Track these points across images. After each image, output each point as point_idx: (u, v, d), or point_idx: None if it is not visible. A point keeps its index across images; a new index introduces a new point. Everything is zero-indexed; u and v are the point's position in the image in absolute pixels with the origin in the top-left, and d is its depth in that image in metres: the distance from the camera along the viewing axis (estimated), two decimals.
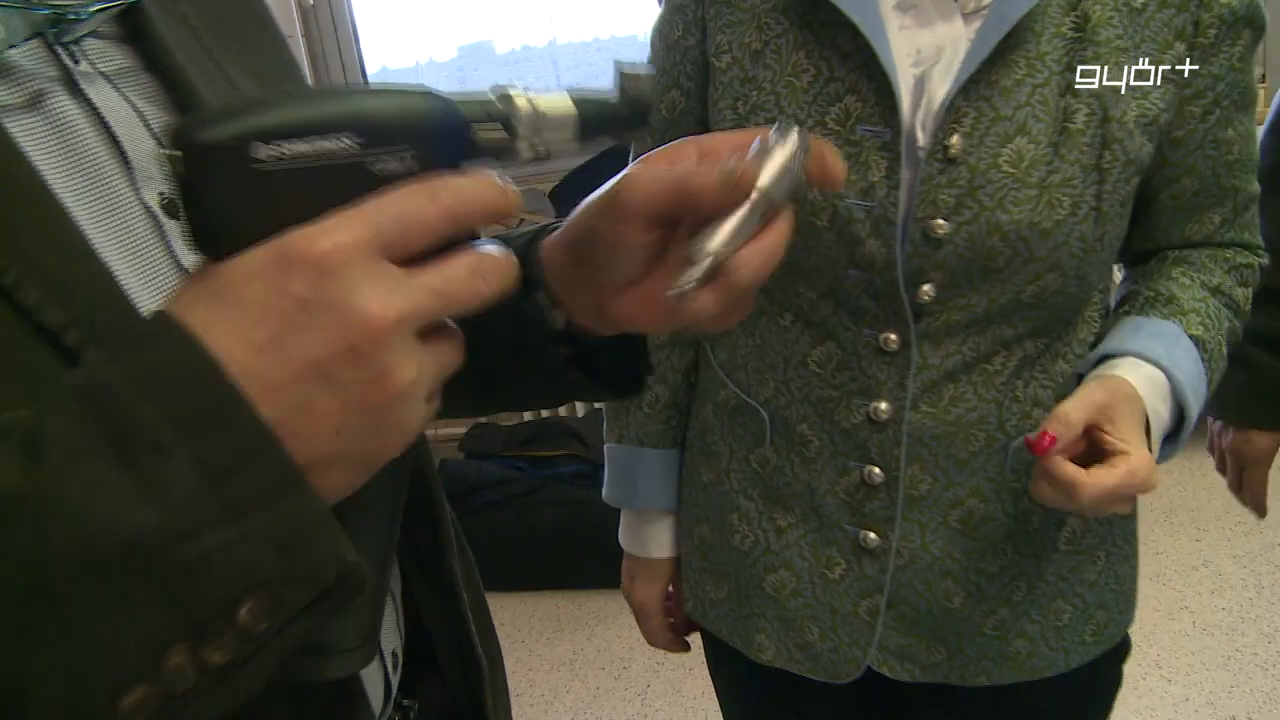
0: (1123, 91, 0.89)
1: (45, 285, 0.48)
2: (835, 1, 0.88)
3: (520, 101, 0.48)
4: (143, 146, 0.58)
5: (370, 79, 3.36)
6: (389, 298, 0.41)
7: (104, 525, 0.38)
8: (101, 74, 0.59)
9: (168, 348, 0.40)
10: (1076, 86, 0.89)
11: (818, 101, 0.92)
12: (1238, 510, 1.55)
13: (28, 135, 0.52)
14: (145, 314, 0.44)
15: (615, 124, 0.52)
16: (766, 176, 0.50)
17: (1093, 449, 0.87)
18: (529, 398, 0.94)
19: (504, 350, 0.63)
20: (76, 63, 0.57)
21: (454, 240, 0.44)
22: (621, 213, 0.53)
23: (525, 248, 0.64)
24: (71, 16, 0.55)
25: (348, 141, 0.43)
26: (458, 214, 0.44)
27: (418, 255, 0.43)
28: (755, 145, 0.51)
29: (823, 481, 1.03)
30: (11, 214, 0.48)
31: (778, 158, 0.51)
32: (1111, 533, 1.07)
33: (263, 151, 0.42)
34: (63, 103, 0.55)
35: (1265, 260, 1.04)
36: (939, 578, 1.02)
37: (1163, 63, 0.90)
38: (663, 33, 1.02)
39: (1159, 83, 0.90)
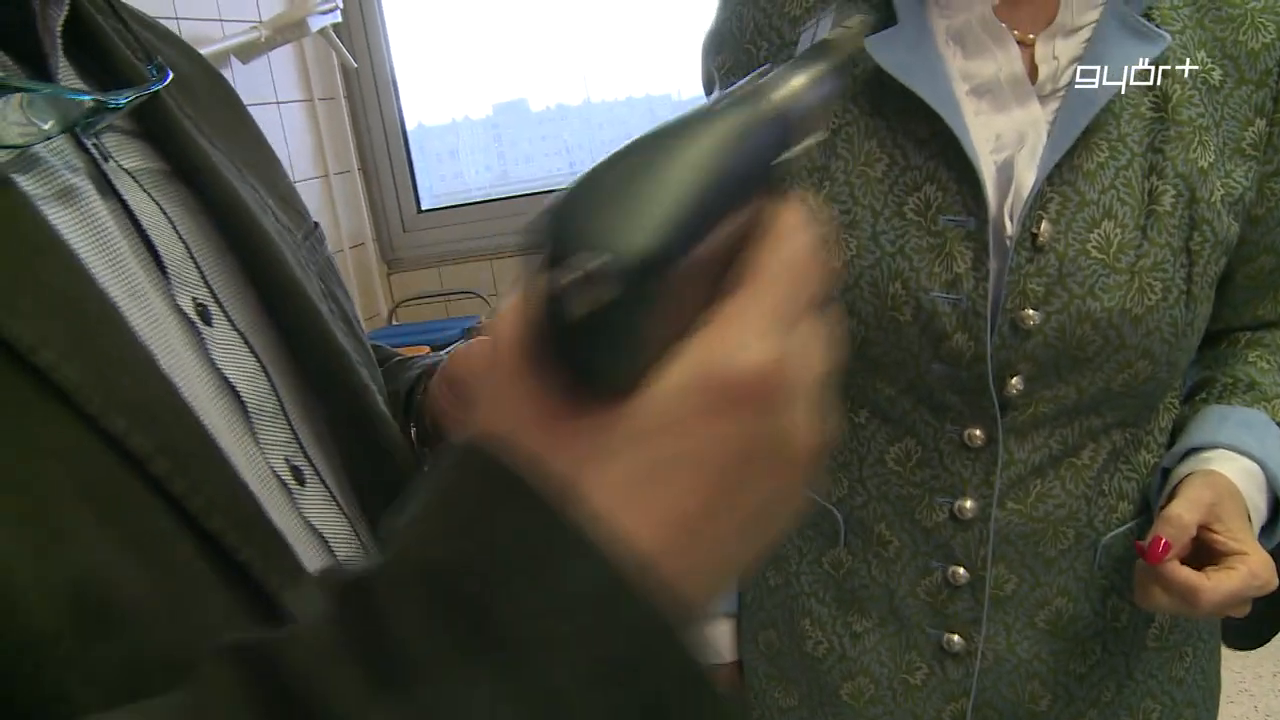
0: (1209, 167, 0.86)
1: (127, 410, 0.44)
2: (911, 86, 0.85)
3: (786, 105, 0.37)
4: (174, 250, 0.55)
5: (409, 134, 3.37)
6: (816, 409, 0.34)
7: None
8: (126, 171, 0.55)
9: (585, 570, 0.30)
10: (1161, 167, 0.86)
11: (894, 191, 0.89)
12: None
13: (68, 226, 0.48)
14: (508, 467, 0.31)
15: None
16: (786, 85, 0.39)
17: (1199, 548, 0.83)
18: None
19: None
20: (106, 159, 0.53)
21: None
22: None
23: None
24: (112, 105, 0.52)
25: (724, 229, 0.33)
26: (821, 264, 0.35)
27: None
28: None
29: (903, 583, 0.98)
30: (79, 322, 0.44)
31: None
32: (1198, 627, 1.02)
33: (683, 260, 0.30)
34: (94, 201, 0.51)
35: None
36: (1025, 680, 0.97)
37: (1244, 139, 0.88)
38: None
39: (1242, 160, 0.88)
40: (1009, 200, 0.87)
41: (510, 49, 3.38)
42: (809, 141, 0.39)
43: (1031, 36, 0.89)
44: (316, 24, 2.93)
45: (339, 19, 3.03)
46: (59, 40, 0.54)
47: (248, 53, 2.90)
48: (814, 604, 1.04)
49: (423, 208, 3.41)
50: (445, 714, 0.28)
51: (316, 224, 0.73)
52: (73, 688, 0.39)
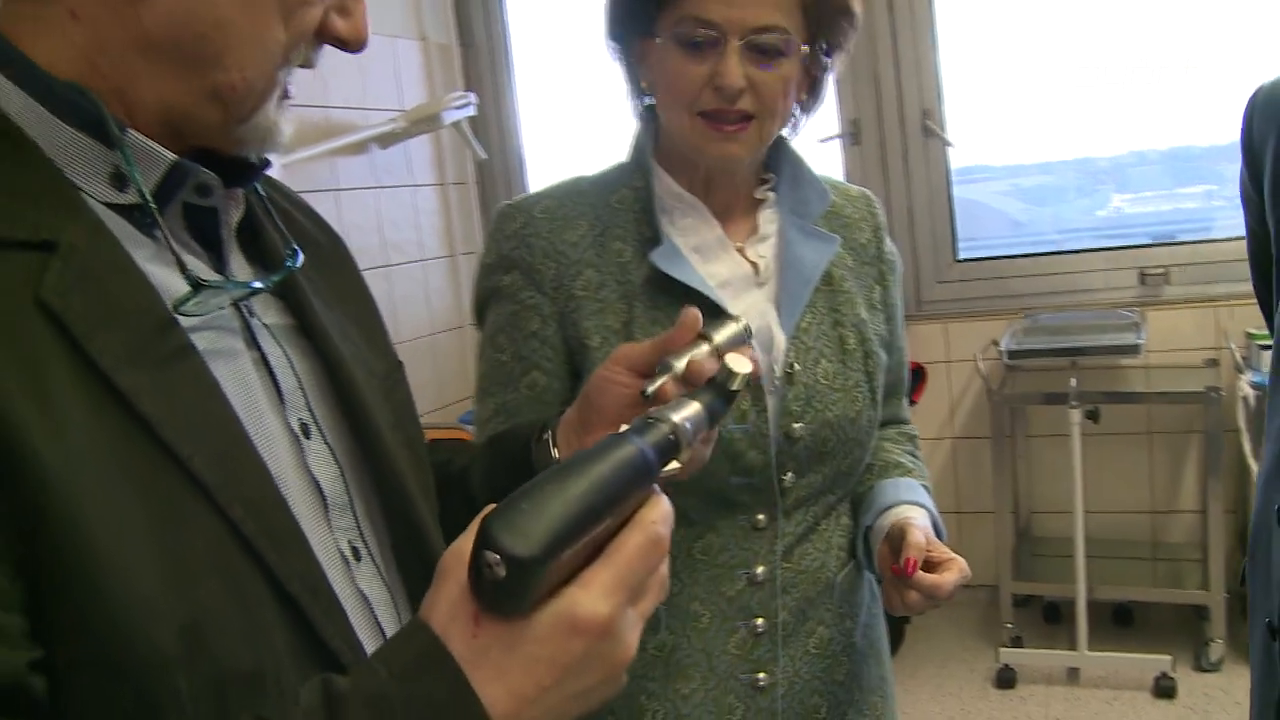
0: (865, 319, 1.28)
1: (244, 503, 0.65)
2: (681, 279, 1.17)
3: (678, 422, 0.65)
4: (289, 382, 0.77)
5: (529, 186, 3.71)
6: (634, 633, 0.59)
7: None
8: (265, 326, 0.77)
9: (442, 683, 0.56)
10: (841, 320, 1.27)
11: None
12: None
13: (224, 376, 0.70)
14: (425, 633, 0.58)
15: (722, 408, 0.76)
16: (718, 336, 0.85)
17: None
18: None
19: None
20: (253, 317, 0.76)
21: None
22: (615, 361, 0.85)
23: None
24: (263, 286, 0.76)
25: (609, 521, 0.57)
26: (662, 554, 0.60)
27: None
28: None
29: (716, 644, 1.23)
30: (220, 442, 0.66)
31: (729, 328, 0.86)
32: (880, 635, 1.39)
33: (564, 554, 0.54)
34: (241, 352, 0.73)
35: (917, 430, 1.47)
36: (809, 695, 1.27)
37: (873, 298, 1.32)
38: (511, 328, 1.24)
39: (876, 312, 1.32)
40: (770, 354, 1.22)
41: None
42: (686, 455, 0.65)
43: (740, 246, 1.27)
44: (451, 118, 3.18)
45: (474, 113, 3.27)
46: (234, 235, 0.78)
47: (387, 140, 3.17)
48: (647, 683, 1.23)
49: None
50: None
51: (400, 363, 0.94)
52: (165, 699, 0.59)
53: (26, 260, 0.61)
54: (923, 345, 3.29)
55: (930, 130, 3.24)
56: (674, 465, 0.64)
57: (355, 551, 0.77)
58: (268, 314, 0.78)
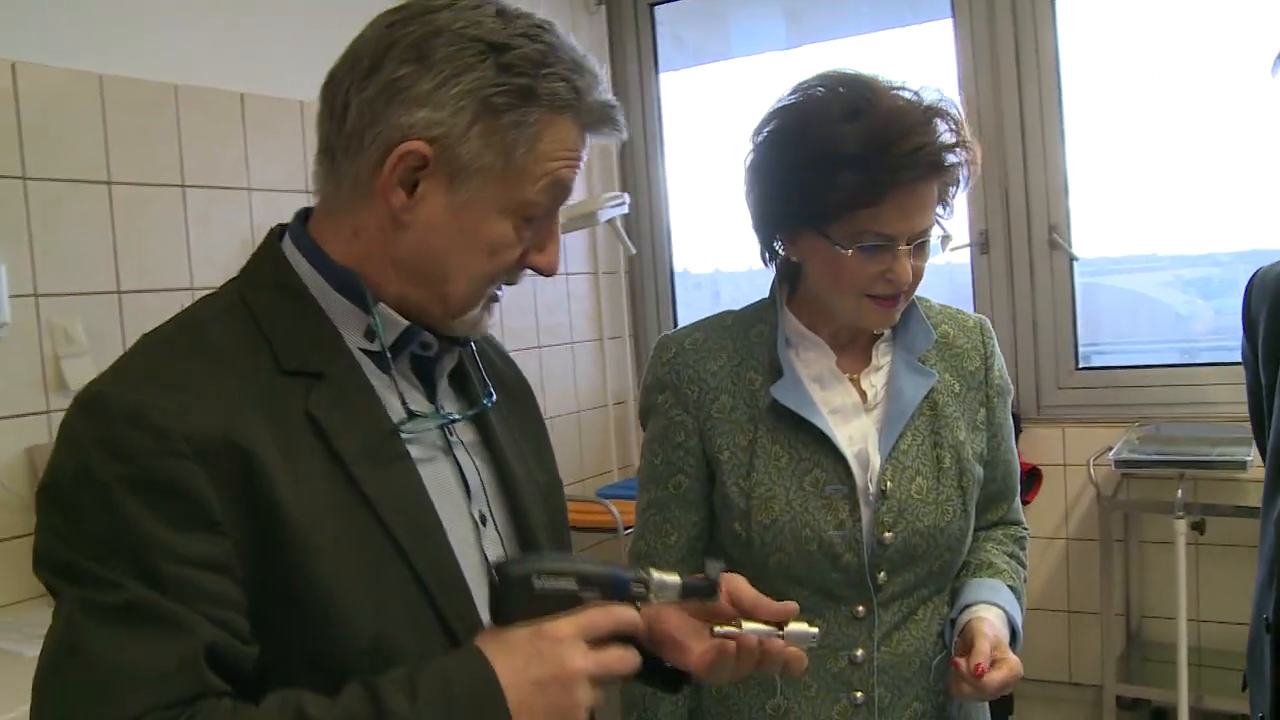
0: (964, 440, 1.49)
1: (436, 579, 0.97)
2: (804, 415, 1.44)
3: (655, 577, 0.95)
4: (475, 483, 1.08)
5: (675, 277, 4.03)
6: (580, 660, 0.87)
7: None
8: (461, 443, 1.09)
9: (478, 666, 0.87)
10: (940, 442, 1.48)
11: (795, 474, 1.45)
12: None
13: (427, 475, 1.01)
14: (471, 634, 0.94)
15: (699, 593, 0.99)
16: (791, 627, 1.05)
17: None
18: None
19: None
20: (453, 435, 1.08)
21: (618, 635, 0.92)
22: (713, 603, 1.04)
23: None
24: (464, 417, 1.09)
25: (573, 583, 0.90)
26: (618, 625, 0.91)
27: (602, 640, 0.90)
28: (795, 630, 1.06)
29: (821, 711, 1.47)
30: (423, 531, 0.98)
31: (803, 631, 1.06)
32: (970, 710, 1.58)
33: (538, 583, 0.89)
34: (442, 461, 1.05)
35: (1028, 531, 1.65)
36: None
37: (977, 419, 1.54)
38: (663, 439, 1.53)
39: (977, 431, 1.53)
40: (868, 473, 1.45)
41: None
42: (651, 600, 0.96)
43: (855, 376, 1.51)
44: (606, 216, 3.49)
45: (626, 211, 3.57)
46: (446, 376, 1.09)
47: None
48: None
49: None
50: None
51: (560, 481, 1.24)
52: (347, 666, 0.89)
53: (304, 383, 0.93)
54: (1041, 448, 3.42)
55: (1056, 243, 3.40)
56: (639, 589, 0.95)
57: None
58: (465, 433, 1.10)
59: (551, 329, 3.64)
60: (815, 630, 1.06)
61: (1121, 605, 3.31)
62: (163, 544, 0.83)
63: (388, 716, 0.82)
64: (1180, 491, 2.88)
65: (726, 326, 1.55)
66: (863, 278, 1.38)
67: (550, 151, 0.96)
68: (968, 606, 1.46)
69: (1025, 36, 3.39)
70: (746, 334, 1.52)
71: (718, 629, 1.01)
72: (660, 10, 4.03)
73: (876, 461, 1.45)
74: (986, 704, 1.61)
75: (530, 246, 1.01)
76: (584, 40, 4.15)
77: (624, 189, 3.61)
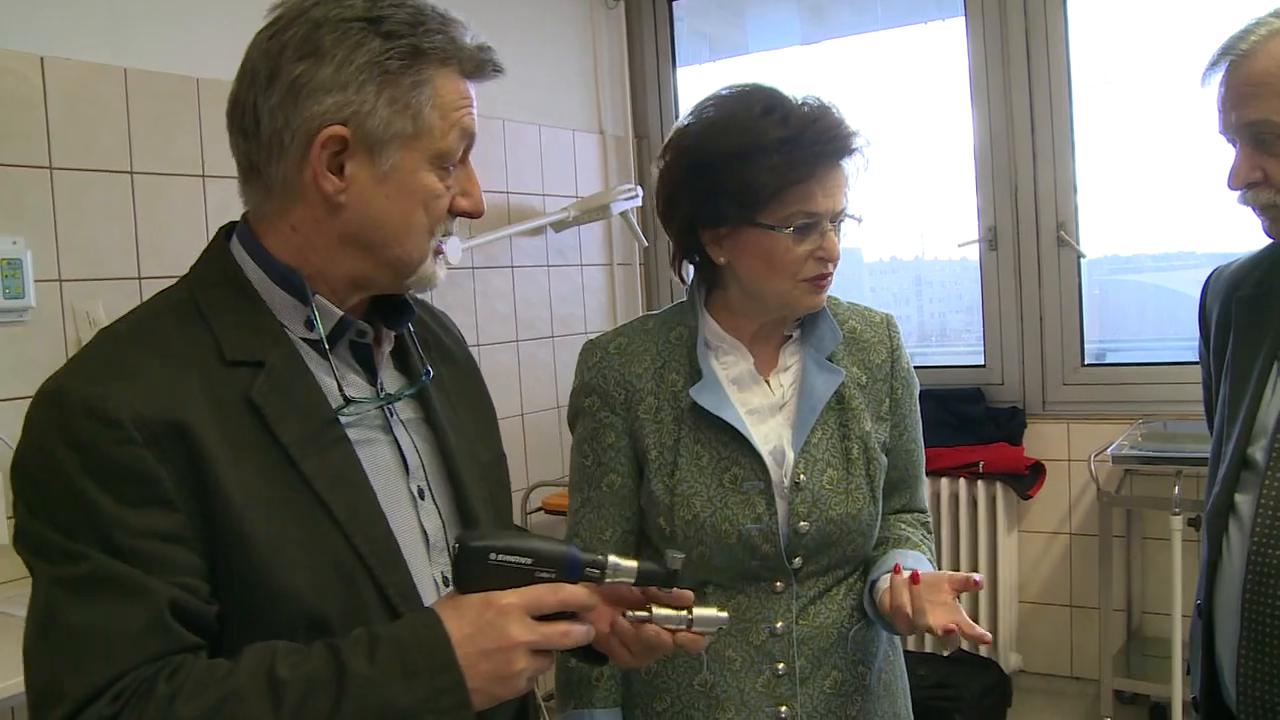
0: (870, 430, 1.58)
1: (370, 546, 1.04)
2: (722, 416, 1.52)
3: (610, 560, 1.02)
4: (413, 459, 1.14)
5: None
6: (522, 631, 0.96)
7: (383, 698, 0.92)
8: (401, 421, 1.15)
9: (432, 628, 0.95)
10: (847, 434, 1.57)
11: (715, 472, 1.54)
12: None
13: (365, 455, 1.09)
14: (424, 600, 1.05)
15: (656, 580, 1.06)
16: (700, 611, 1.11)
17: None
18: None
19: None
20: (393, 415, 1.15)
21: (564, 611, 0.99)
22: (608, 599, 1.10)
23: None
24: (404, 396, 1.16)
25: (528, 561, 0.97)
26: (563, 603, 0.98)
27: (547, 614, 0.97)
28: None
29: (746, 682, 1.55)
30: (359, 504, 1.05)
31: (713, 617, 1.11)
32: (896, 677, 1.67)
33: (493, 557, 0.97)
34: (380, 439, 1.11)
35: (930, 519, 1.73)
36: None
37: (881, 410, 1.62)
38: (593, 440, 1.60)
39: (881, 422, 1.61)
40: (783, 468, 1.55)
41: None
42: (605, 582, 1.03)
43: (766, 377, 1.59)
44: (619, 208, 3.56)
45: (640, 204, 3.64)
46: (386, 357, 1.16)
47: (560, 226, 3.57)
48: (693, 712, 1.57)
49: None
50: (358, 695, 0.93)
51: (503, 455, 1.31)
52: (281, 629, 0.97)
53: (247, 372, 1.01)
54: (1045, 443, 3.46)
55: (1064, 241, 3.43)
56: (593, 573, 1.02)
57: (446, 580, 1.13)
58: (405, 411, 1.17)
59: (565, 320, 3.71)
60: (724, 614, 1.11)
61: (1122, 601, 3.35)
62: (121, 520, 0.92)
63: (348, 676, 0.91)
64: (1177, 488, 2.91)
65: (648, 330, 1.63)
66: (795, 259, 1.48)
67: (451, 102, 1.04)
68: (890, 571, 1.53)
69: (1036, 35, 3.42)
70: (667, 337, 1.60)
71: (630, 614, 1.09)
72: (679, 6, 4.08)
73: (790, 456, 1.54)
74: (904, 672, 1.70)
75: (456, 193, 1.08)
76: (603, 35, 4.21)
77: (638, 182, 3.67)
